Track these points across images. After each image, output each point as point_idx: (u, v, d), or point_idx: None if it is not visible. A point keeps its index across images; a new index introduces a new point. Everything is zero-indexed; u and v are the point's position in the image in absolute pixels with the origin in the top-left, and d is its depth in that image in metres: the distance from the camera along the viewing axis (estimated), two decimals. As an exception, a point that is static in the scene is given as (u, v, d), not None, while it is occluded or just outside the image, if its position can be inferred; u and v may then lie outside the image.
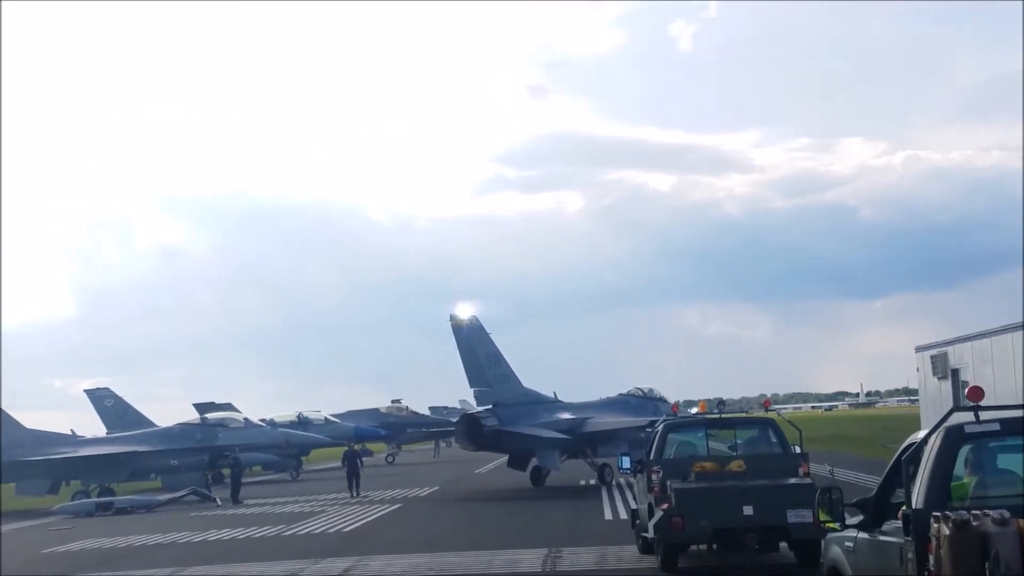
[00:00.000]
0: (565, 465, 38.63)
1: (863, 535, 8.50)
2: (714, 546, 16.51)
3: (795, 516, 15.34)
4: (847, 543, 8.76)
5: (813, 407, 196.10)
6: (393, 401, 70.33)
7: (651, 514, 16.56)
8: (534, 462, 37.99)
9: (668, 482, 16.18)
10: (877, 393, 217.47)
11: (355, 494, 36.53)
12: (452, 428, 56.17)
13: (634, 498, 19.23)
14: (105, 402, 55.97)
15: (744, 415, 18.20)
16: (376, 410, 68.82)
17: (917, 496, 7.39)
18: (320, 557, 20.18)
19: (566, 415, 38.28)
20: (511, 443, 37.04)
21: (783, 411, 17.65)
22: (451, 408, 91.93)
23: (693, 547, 16.79)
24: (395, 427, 65.20)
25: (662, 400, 41.22)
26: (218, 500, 38.13)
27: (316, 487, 44.31)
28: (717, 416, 17.94)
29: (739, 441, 17.61)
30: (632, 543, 18.91)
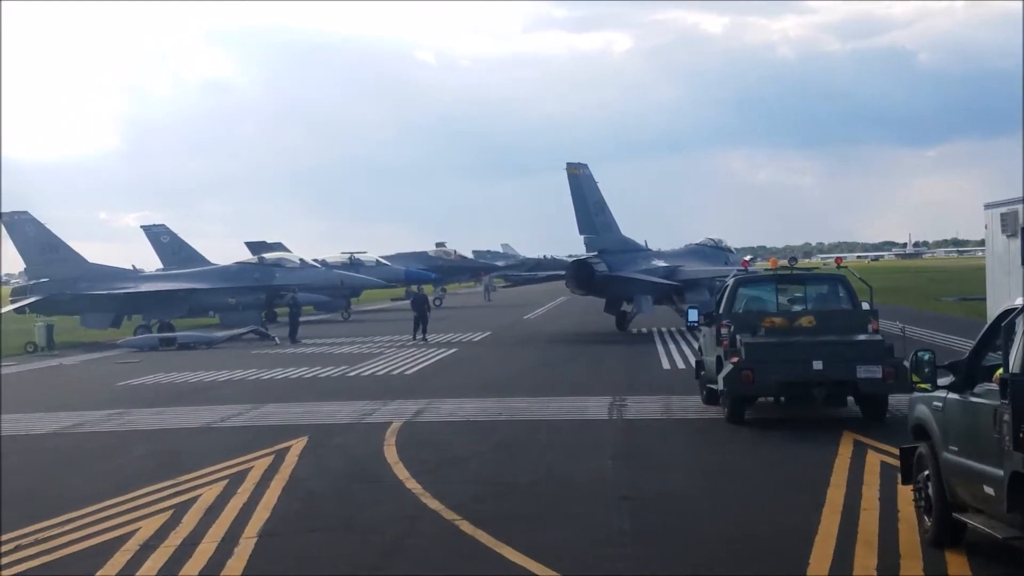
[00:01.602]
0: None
1: (953, 396, 8.72)
2: (781, 399, 16.84)
3: (864, 371, 15.71)
4: (935, 403, 9.01)
5: (859, 256, 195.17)
6: (438, 244, 71.05)
7: (719, 367, 16.91)
8: (625, 306, 39.48)
9: (738, 336, 16.50)
10: (925, 244, 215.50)
11: (422, 337, 36.94)
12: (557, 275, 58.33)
13: (700, 350, 19.64)
14: (161, 238, 57.08)
15: (815, 270, 18.30)
16: (424, 253, 69.62)
17: (1015, 361, 7.63)
18: (389, 398, 20.77)
19: (660, 263, 39.90)
20: (620, 288, 38.65)
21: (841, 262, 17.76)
22: (494, 252, 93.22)
23: (760, 399, 17.19)
24: (444, 270, 65.81)
25: (729, 251, 43.04)
26: (277, 339, 39.23)
27: (369, 328, 45.41)
28: (788, 271, 18.01)
29: (809, 297, 17.70)
30: (695, 393, 19.29)
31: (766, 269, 18.09)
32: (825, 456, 13.58)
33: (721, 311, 17.69)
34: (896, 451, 12.78)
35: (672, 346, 31.78)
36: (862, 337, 16.53)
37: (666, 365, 26.69)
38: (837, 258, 18.02)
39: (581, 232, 38.43)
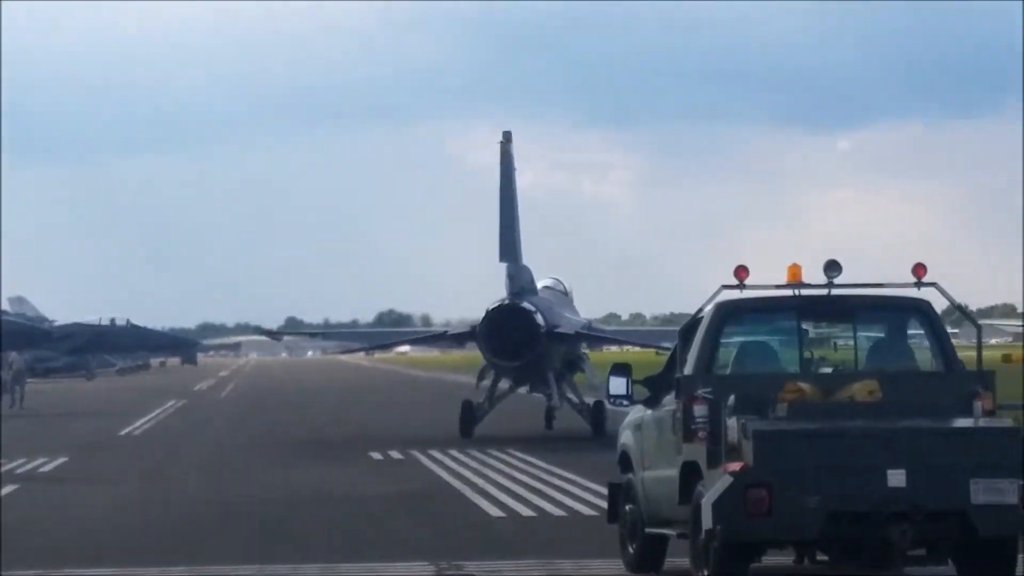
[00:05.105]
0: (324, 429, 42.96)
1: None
2: (814, 555, 16.84)
3: (985, 492, 15.80)
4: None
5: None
6: None
7: (686, 486, 16.78)
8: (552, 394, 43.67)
9: (738, 419, 16.20)
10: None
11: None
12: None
13: (623, 459, 19.37)
14: None
15: (873, 291, 18.25)
16: None
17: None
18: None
19: (566, 312, 45.33)
20: (555, 353, 43.34)
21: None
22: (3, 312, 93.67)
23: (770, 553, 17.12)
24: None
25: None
26: None
27: None
28: (824, 292, 17.76)
29: (863, 343, 17.96)
30: (595, 554, 20.70)
31: (778, 286, 17.87)
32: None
33: (690, 371, 17.36)
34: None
35: (478, 479, 33.41)
36: (976, 423, 16.63)
37: (492, 510, 27.99)
38: (918, 266, 17.87)
39: (502, 257, 42.32)
